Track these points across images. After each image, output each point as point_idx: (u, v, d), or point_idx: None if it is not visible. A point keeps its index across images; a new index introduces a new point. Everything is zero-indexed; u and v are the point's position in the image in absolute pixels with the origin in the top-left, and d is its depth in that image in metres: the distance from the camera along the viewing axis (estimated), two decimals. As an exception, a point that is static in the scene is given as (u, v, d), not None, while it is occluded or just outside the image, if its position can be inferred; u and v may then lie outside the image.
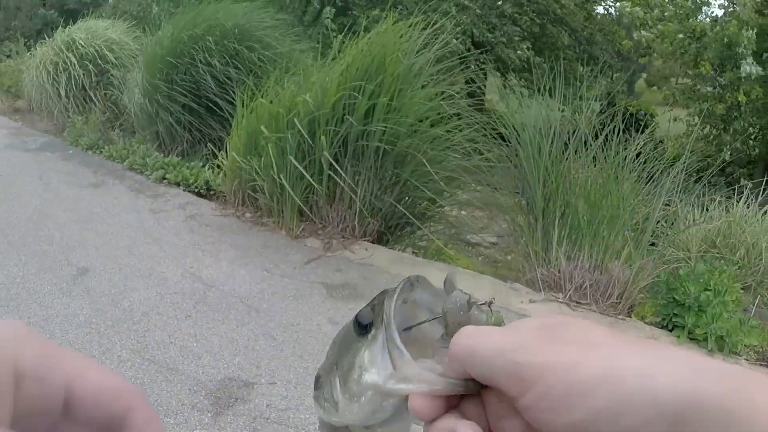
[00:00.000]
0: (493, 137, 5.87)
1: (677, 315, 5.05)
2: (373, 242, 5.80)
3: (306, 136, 5.47)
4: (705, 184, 6.50)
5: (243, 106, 6.32)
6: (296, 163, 5.50)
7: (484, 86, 8.50)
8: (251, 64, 7.72)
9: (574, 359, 0.43)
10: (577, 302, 5.19)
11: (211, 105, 7.78)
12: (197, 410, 3.47)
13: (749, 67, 10.18)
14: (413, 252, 6.05)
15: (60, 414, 0.46)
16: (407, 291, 0.56)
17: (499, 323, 0.52)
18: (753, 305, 5.77)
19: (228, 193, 6.68)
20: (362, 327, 0.54)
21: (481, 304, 0.55)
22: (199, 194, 7.11)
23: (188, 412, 3.45)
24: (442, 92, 5.90)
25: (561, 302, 5.19)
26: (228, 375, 3.80)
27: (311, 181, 5.54)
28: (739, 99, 10.71)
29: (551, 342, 0.46)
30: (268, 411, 3.55)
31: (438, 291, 0.57)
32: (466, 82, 7.10)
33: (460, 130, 5.81)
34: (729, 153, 10.72)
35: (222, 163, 6.77)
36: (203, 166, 7.57)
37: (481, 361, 0.47)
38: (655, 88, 17.52)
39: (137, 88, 8.54)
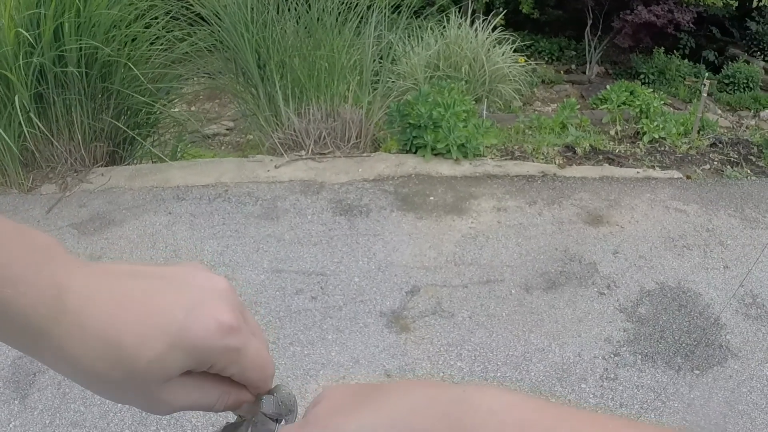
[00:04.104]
0: (195, 22, 5.65)
1: (417, 137, 5.20)
2: (107, 165, 5.50)
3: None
4: (415, 17, 6.63)
5: None
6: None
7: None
8: None
9: None
10: (321, 154, 5.22)
11: None
12: (2, 402, 3.20)
13: None
14: (152, 161, 5.81)
15: None
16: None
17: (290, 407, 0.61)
18: (485, 111, 6.04)
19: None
20: None
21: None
22: None
23: (-3, 410, 3.18)
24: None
25: (305, 159, 5.20)
26: (16, 355, 3.50)
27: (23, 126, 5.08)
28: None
29: None
30: (68, 371, 3.35)
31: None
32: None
33: (158, 23, 5.53)
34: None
35: None
36: None
37: None
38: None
39: None
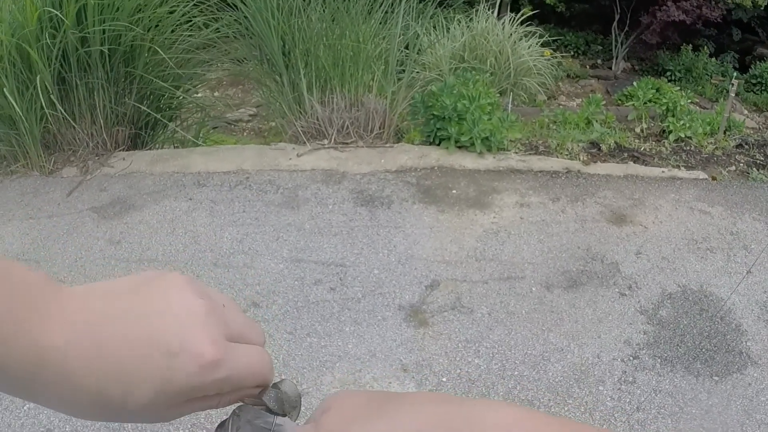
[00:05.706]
0: (220, 7, 5.63)
1: (441, 129, 5.17)
2: (128, 150, 5.50)
3: (18, 61, 4.95)
4: (441, 8, 6.59)
5: None
6: (12, 99, 4.94)
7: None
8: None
9: None
10: (343, 143, 5.19)
11: None
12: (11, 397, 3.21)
13: None
14: (174, 146, 5.81)
15: None
16: (237, 421, 0.57)
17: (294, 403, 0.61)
18: (509, 104, 6.00)
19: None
20: None
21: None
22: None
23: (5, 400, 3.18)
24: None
25: (328, 148, 5.18)
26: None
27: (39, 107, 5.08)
28: None
29: None
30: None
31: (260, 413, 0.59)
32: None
33: (184, 7, 5.50)
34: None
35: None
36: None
37: None
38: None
39: None
